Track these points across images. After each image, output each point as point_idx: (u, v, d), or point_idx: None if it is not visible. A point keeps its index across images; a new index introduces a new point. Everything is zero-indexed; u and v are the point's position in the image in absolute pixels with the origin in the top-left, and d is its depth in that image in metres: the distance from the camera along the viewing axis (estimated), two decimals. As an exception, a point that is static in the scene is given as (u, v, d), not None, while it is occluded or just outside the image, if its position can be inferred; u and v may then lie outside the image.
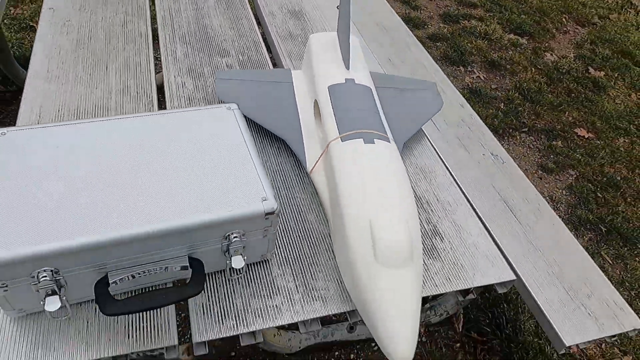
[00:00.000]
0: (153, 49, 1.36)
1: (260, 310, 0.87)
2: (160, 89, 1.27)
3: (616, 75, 3.33)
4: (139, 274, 0.80)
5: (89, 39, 1.36)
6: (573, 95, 3.10)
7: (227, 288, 0.89)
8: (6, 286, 0.73)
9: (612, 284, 1.55)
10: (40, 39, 1.33)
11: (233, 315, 0.86)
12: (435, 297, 1.73)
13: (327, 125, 1.03)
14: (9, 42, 2.39)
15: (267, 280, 0.91)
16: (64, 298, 0.77)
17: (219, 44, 1.42)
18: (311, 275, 0.93)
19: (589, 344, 1.36)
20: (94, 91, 1.21)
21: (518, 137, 2.77)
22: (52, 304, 0.75)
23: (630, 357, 1.89)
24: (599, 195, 2.52)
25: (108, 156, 0.84)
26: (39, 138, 0.85)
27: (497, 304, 1.91)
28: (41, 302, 0.76)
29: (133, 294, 0.86)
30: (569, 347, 1.34)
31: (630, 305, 1.34)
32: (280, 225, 1.00)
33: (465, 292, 0.99)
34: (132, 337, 0.81)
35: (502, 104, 2.95)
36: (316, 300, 0.89)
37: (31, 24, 2.83)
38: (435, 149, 1.28)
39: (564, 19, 3.79)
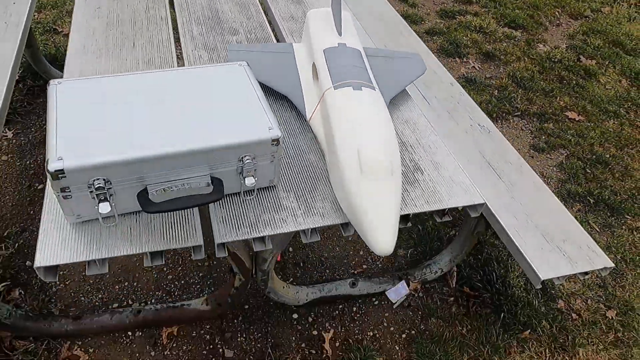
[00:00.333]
0: (172, 30, 1.59)
1: (269, 221, 1.07)
2: (180, 61, 1.49)
3: (607, 63, 3.52)
4: (171, 187, 1.01)
5: (117, 22, 1.59)
6: (564, 82, 3.30)
7: (241, 206, 1.10)
8: (70, 193, 0.95)
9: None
10: (75, 22, 1.57)
11: (247, 225, 1.06)
12: (429, 258, 1.92)
13: (322, 79, 1.24)
14: (37, 40, 2.64)
15: (274, 201, 1.12)
16: (113, 205, 0.98)
17: (230, 24, 1.65)
18: (311, 198, 1.13)
19: (562, 280, 1.55)
20: (124, 63, 1.43)
21: (511, 120, 2.97)
22: (104, 207, 0.96)
23: (614, 312, 2.06)
24: (588, 171, 2.70)
25: (146, 97, 1.06)
26: (89, 84, 1.08)
27: (488, 263, 2.10)
28: (95, 207, 0.97)
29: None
30: (544, 282, 1.53)
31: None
32: (285, 162, 1.21)
33: (441, 213, 1.18)
34: (166, 238, 1.02)
35: (496, 90, 3.15)
36: (315, 215, 1.10)
37: (54, 27, 3.09)
38: (419, 108, 1.49)
39: (557, 13, 4.00)
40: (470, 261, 2.11)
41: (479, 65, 3.36)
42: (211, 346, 1.77)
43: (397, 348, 1.83)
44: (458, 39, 3.50)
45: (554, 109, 3.07)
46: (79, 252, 0.97)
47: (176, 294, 1.90)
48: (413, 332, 1.89)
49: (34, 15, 3.15)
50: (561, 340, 1.93)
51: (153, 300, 1.86)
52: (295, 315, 1.88)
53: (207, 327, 1.82)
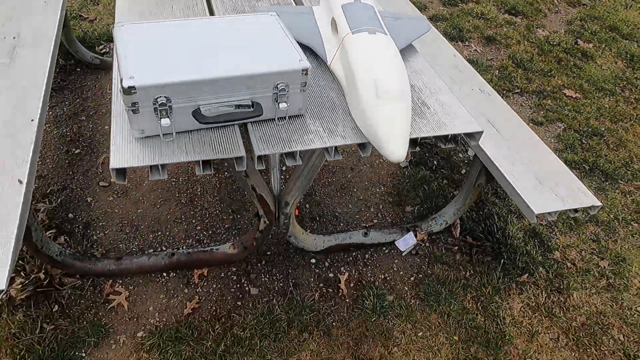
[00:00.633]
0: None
1: (299, 140, 1.29)
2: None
3: (603, 46, 3.74)
4: (219, 107, 1.23)
5: (157, -10, 1.82)
6: (562, 63, 3.51)
7: (275, 128, 1.32)
8: (138, 107, 1.17)
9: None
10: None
11: (280, 143, 1.28)
12: (435, 211, 2.11)
13: (341, 29, 1.46)
14: (70, 20, 2.87)
15: (302, 126, 1.34)
16: (172, 120, 1.20)
17: (255, -7, 1.88)
18: (334, 125, 1.35)
19: (554, 216, 1.75)
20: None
21: (511, 97, 3.18)
22: (165, 122, 1.18)
23: (607, 262, 2.26)
24: (584, 142, 2.91)
25: (197, 35, 1.29)
26: (147, 26, 1.30)
27: (489, 217, 2.30)
28: (158, 122, 1.19)
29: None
30: (538, 216, 1.74)
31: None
32: (310, 98, 1.42)
33: (445, 139, 1.39)
34: (214, 150, 1.23)
35: (497, 71, 3.37)
36: (337, 137, 1.31)
37: (80, 13, 3.33)
38: (425, 61, 1.70)
39: (555, 1, 4.22)
40: (472, 216, 2.32)
41: (481, 49, 3.58)
42: (238, 285, 1.98)
43: (406, 288, 2.04)
44: (460, 24, 3.72)
45: (552, 87, 3.28)
46: (144, 159, 1.19)
47: (205, 242, 2.11)
48: (420, 275, 2.09)
49: (62, 3, 3.39)
50: (557, 284, 2.13)
51: (184, 247, 2.08)
52: (313, 260, 2.09)
53: (234, 269, 2.03)
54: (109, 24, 3.28)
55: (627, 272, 2.23)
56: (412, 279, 2.08)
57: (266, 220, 1.88)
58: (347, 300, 1.97)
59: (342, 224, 2.27)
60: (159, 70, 1.17)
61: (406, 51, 1.69)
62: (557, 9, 4.15)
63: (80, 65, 2.90)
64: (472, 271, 2.13)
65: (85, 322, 1.80)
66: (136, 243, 2.08)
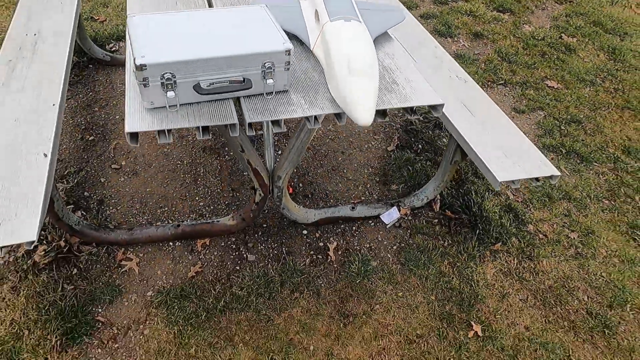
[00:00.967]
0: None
1: (284, 110, 1.54)
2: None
3: (587, 40, 3.97)
4: (216, 82, 1.48)
5: (162, -11, 2.09)
6: (546, 56, 3.75)
7: (263, 101, 1.57)
8: (147, 82, 1.43)
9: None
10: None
11: (268, 111, 1.53)
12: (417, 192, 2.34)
13: (321, 17, 1.72)
14: (84, 20, 3.16)
15: (287, 99, 1.59)
16: (177, 93, 1.46)
17: (250, -10, 2.14)
18: (314, 98, 1.60)
19: (517, 184, 1.99)
20: (171, 16, 1.92)
21: (495, 88, 3.42)
22: (171, 94, 1.44)
23: (576, 234, 2.49)
24: (563, 128, 3.14)
25: (197, 23, 1.55)
26: (155, 16, 1.57)
27: (467, 194, 2.54)
28: (164, 95, 1.45)
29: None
30: (501, 184, 1.98)
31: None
32: (294, 78, 1.68)
33: (410, 110, 1.64)
34: (212, 118, 1.49)
35: (483, 64, 3.61)
36: (317, 107, 1.57)
37: (91, 15, 3.62)
38: (400, 43, 1.95)
39: (542, -2, 4.46)
40: (452, 192, 2.56)
41: (469, 44, 3.83)
42: (237, 252, 2.23)
43: (389, 255, 2.28)
44: (450, 21, 3.97)
45: (535, 79, 3.52)
46: (153, 125, 1.45)
47: (207, 216, 2.37)
48: (403, 245, 2.33)
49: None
50: (528, 253, 2.37)
51: (189, 220, 2.33)
52: (305, 232, 2.34)
53: (233, 239, 2.28)
54: (118, 25, 3.56)
55: (595, 242, 2.46)
56: (394, 247, 2.32)
57: (261, 193, 2.13)
58: (335, 265, 2.22)
59: (332, 201, 2.52)
60: (165, 51, 1.43)
61: (382, 38, 1.95)
62: (544, 5, 4.39)
63: (93, 62, 3.18)
64: (449, 241, 2.37)
65: (100, 283, 2.06)
66: (145, 217, 2.34)
